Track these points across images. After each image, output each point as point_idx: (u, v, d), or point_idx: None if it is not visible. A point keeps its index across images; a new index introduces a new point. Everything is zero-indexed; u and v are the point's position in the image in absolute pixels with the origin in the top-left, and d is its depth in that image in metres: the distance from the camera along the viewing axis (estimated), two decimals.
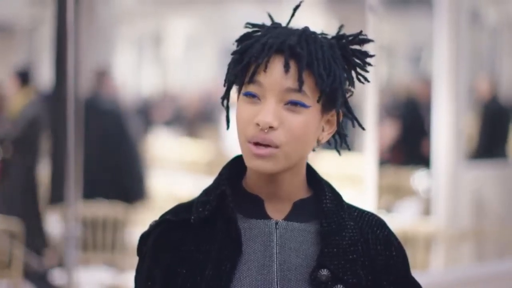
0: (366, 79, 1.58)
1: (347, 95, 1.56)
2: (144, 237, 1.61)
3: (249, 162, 1.52)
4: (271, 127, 1.48)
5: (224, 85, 1.56)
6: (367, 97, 5.16)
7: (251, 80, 1.50)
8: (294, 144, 1.50)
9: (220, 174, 1.59)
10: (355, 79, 1.57)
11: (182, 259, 1.55)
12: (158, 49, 18.78)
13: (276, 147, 1.49)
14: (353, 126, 1.60)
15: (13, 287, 5.58)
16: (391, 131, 8.89)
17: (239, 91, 1.55)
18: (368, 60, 1.57)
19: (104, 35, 17.11)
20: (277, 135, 1.49)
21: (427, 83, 8.57)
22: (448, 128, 6.28)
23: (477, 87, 9.26)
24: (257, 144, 1.49)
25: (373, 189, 5.20)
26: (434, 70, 6.56)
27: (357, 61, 1.56)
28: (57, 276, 5.68)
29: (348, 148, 1.61)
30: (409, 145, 8.63)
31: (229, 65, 1.55)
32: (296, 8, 1.58)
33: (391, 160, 8.63)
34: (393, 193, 7.76)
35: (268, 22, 1.58)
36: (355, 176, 6.01)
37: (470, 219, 6.48)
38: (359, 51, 1.56)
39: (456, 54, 6.31)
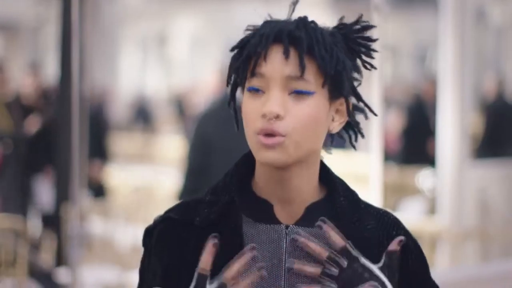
0: (372, 66, 1.53)
1: (355, 84, 1.51)
2: (149, 231, 1.56)
3: (258, 155, 1.46)
4: (277, 117, 1.44)
5: (228, 85, 1.52)
6: (372, 96, 5.15)
7: (253, 73, 1.46)
8: (303, 132, 1.45)
9: (230, 175, 1.54)
10: (361, 68, 1.53)
11: (182, 261, 1.49)
12: (163, 49, 18.79)
13: (284, 135, 1.44)
14: (365, 114, 1.56)
15: (17, 286, 5.59)
16: (396, 121, 8.90)
17: (243, 87, 1.50)
18: (373, 47, 1.52)
19: (109, 34, 17.13)
20: (285, 124, 1.44)
21: (432, 82, 8.56)
22: (453, 127, 6.27)
23: (482, 86, 9.25)
24: (266, 135, 1.44)
25: (378, 188, 5.20)
26: (439, 69, 6.55)
27: (361, 48, 1.52)
28: (61, 274, 5.68)
29: (362, 135, 1.56)
30: (415, 144, 8.62)
31: (230, 61, 1.51)
32: (295, 2, 1.54)
33: (397, 155, 8.63)
34: (398, 192, 7.75)
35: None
36: (360, 175, 6.00)
37: (475, 218, 6.47)
38: (362, 37, 1.52)
39: (461, 53, 6.30)
